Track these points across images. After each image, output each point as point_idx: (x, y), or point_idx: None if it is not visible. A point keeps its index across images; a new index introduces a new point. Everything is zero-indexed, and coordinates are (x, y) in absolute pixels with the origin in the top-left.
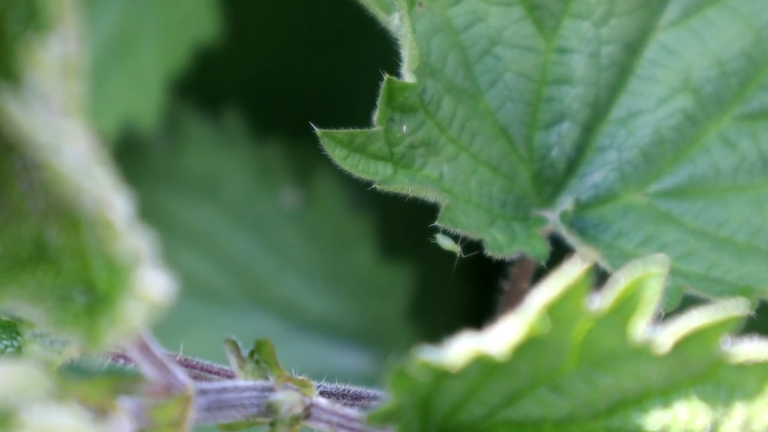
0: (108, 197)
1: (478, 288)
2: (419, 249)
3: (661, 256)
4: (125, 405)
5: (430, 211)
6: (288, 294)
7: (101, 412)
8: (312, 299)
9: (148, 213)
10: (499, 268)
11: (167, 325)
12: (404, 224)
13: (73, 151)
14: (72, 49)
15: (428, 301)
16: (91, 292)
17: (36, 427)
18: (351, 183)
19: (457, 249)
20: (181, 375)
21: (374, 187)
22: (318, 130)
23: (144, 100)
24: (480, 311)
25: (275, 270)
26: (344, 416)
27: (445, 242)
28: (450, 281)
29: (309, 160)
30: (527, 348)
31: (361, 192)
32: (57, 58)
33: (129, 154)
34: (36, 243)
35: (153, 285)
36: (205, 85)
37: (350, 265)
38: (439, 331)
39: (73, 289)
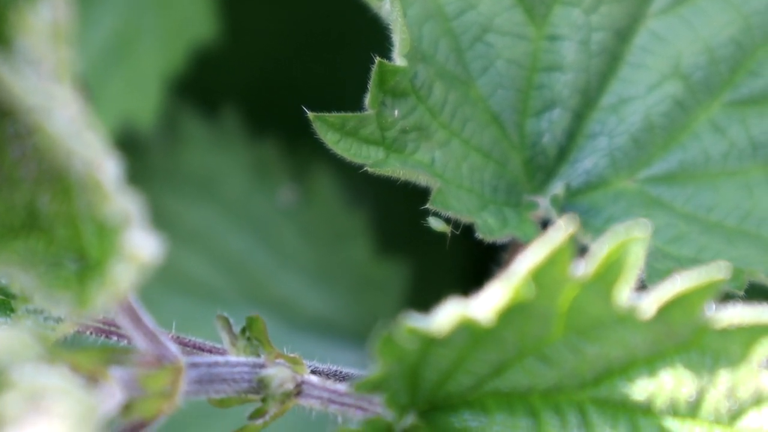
0: (98, 159)
1: (474, 285)
2: (415, 245)
3: (643, 221)
4: (116, 374)
5: (425, 208)
6: (285, 292)
7: (92, 380)
8: (309, 297)
9: (147, 212)
10: (496, 263)
11: (163, 323)
12: (400, 221)
13: (63, 115)
14: (61, 14)
15: (424, 298)
16: (82, 260)
17: (26, 387)
18: (347, 180)
19: (448, 230)
20: (173, 347)
21: (370, 184)
22: (310, 114)
23: (142, 100)
24: None
25: (272, 268)
26: (335, 392)
27: (437, 224)
28: (446, 277)
29: (305, 159)
30: (513, 314)
31: (358, 189)
32: (47, 23)
33: (127, 154)
34: (28, 211)
35: (142, 246)
36: (203, 86)
37: (347, 262)
38: None
39: (64, 257)
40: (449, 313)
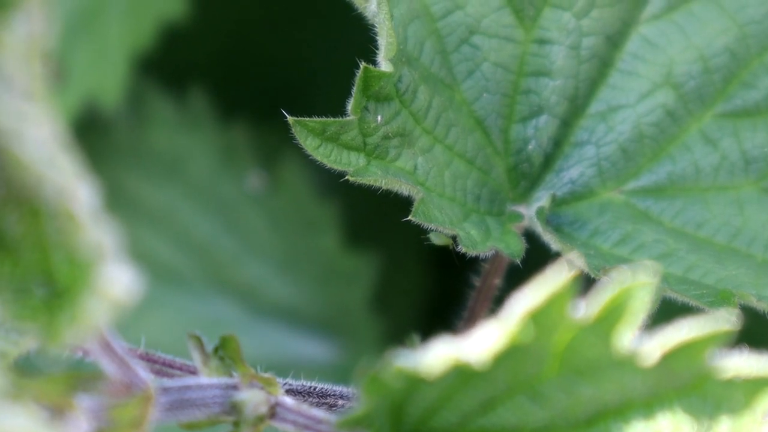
0: (71, 187)
1: (442, 276)
2: (384, 236)
3: (652, 264)
4: (84, 404)
5: (395, 199)
6: (251, 279)
7: (58, 411)
8: (275, 285)
9: (111, 192)
10: (464, 256)
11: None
12: (369, 211)
13: (35, 138)
14: (38, 29)
15: (392, 289)
16: (50, 285)
17: None
18: (317, 168)
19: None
20: (143, 372)
21: (340, 173)
22: (290, 118)
23: (108, 77)
24: (444, 300)
25: (238, 254)
26: (311, 418)
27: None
28: (414, 269)
29: (275, 143)
30: (508, 355)
31: (327, 177)
32: (22, 40)
33: (92, 132)
34: None
35: (116, 282)
36: (171, 63)
37: (314, 251)
38: (402, 319)
39: (31, 282)
40: (440, 355)
